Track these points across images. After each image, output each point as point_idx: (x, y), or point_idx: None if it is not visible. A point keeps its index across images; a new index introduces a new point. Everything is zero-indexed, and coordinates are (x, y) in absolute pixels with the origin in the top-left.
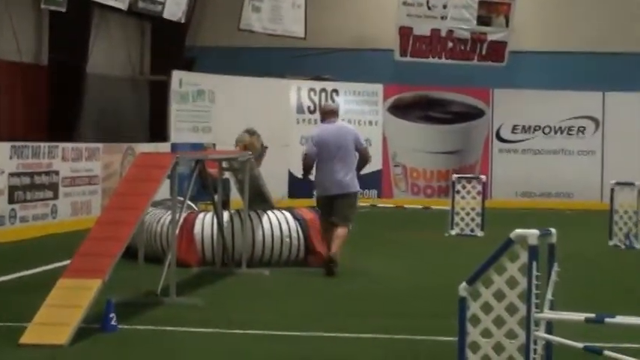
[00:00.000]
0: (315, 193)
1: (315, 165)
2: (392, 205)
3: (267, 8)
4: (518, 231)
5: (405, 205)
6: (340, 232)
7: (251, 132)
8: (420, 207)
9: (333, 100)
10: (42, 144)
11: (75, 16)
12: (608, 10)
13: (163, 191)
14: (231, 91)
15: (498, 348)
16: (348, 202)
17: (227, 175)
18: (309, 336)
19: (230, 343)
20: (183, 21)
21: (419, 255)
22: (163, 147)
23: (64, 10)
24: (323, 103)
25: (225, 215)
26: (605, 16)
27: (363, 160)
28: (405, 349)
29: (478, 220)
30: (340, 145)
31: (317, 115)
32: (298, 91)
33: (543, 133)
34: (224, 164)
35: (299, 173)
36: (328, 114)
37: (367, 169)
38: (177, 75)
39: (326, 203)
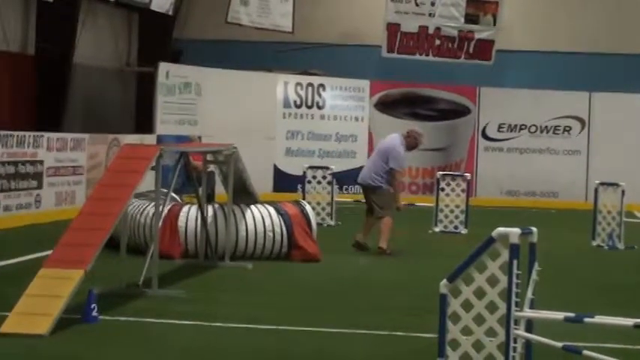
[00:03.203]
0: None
1: None
2: None
3: (255, 2)
4: (500, 229)
5: None
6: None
7: None
8: (405, 204)
9: (320, 95)
10: (27, 133)
11: (62, 7)
12: (596, 10)
13: (148, 183)
14: (218, 84)
15: (478, 346)
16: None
17: (212, 168)
18: (290, 330)
19: (211, 335)
20: (170, 13)
21: (402, 251)
22: (149, 139)
23: (51, 0)
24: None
25: (210, 208)
26: (593, 17)
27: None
28: (385, 345)
29: (462, 217)
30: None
31: (304, 109)
32: (285, 86)
33: (529, 132)
34: (209, 157)
35: (284, 167)
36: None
37: (352, 165)
38: (164, 67)
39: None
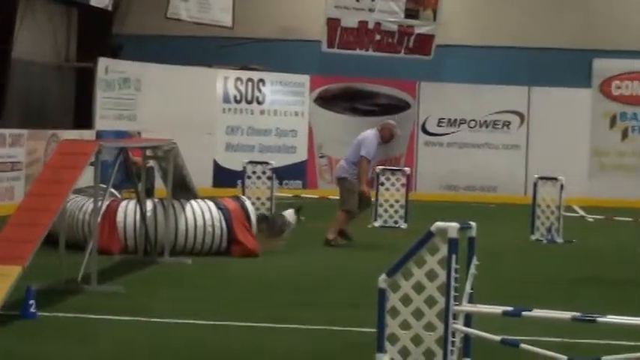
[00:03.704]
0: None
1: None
2: (316, 196)
3: None
4: (439, 224)
5: (330, 196)
6: None
7: None
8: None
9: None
10: None
11: (1, 2)
12: (535, 5)
13: (87, 179)
14: (158, 80)
15: (417, 340)
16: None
17: (151, 163)
18: (229, 325)
19: (150, 331)
20: (110, 8)
21: (341, 246)
22: (88, 134)
23: None
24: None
25: (149, 203)
26: (532, 12)
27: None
28: (324, 340)
29: (402, 212)
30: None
31: (244, 105)
32: (225, 81)
33: (469, 126)
34: (148, 152)
35: (224, 162)
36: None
37: (292, 160)
38: (103, 62)
39: None
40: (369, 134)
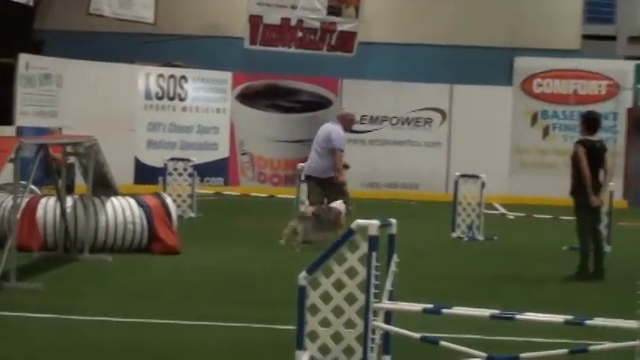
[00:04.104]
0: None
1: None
2: (238, 194)
3: None
4: (359, 221)
5: (252, 194)
6: None
7: None
8: (266, 195)
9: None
10: None
11: None
12: (456, 4)
13: (6, 175)
14: (79, 76)
15: (337, 337)
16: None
17: (72, 159)
18: (150, 322)
19: (70, 328)
20: (31, 3)
21: (263, 243)
22: (8, 130)
23: None
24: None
25: (69, 200)
26: (453, 10)
27: None
28: (245, 337)
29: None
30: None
31: (165, 101)
32: (147, 77)
33: (391, 124)
34: (69, 149)
35: (145, 159)
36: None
37: (213, 157)
38: (24, 58)
39: None
40: (333, 128)
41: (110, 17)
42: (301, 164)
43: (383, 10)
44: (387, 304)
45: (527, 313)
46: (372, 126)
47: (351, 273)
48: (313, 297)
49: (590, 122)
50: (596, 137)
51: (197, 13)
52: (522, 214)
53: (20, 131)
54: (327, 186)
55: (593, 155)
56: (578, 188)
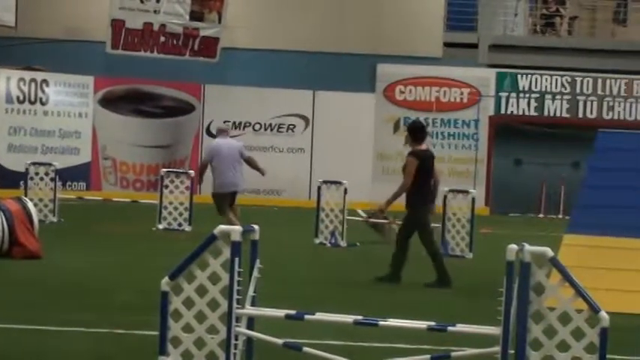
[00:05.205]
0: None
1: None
2: (100, 198)
3: None
4: (222, 227)
5: (114, 199)
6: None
7: None
8: (129, 200)
9: (44, 91)
10: None
11: None
12: (319, 11)
13: None
14: None
15: (200, 343)
16: None
17: None
18: (9, 328)
19: None
20: None
21: (125, 248)
22: None
23: None
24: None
25: None
26: (317, 17)
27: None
28: (106, 343)
29: (186, 214)
30: (231, 155)
31: (27, 105)
32: (7, 81)
33: (254, 129)
34: None
35: (7, 163)
36: (222, 132)
37: (76, 161)
38: None
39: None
40: (235, 142)
41: None
42: (164, 169)
43: (246, 16)
44: (249, 310)
45: (391, 320)
46: (235, 131)
47: (214, 279)
48: (176, 302)
49: (417, 132)
50: (424, 146)
51: (58, 17)
52: (385, 221)
53: None
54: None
55: (426, 166)
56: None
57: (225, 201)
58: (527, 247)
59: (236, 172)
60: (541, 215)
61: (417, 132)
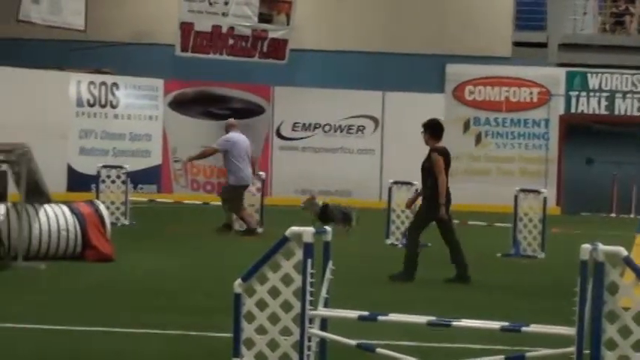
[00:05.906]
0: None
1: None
2: (171, 201)
3: (47, 0)
4: (294, 228)
5: (185, 201)
6: None
7: None
8: (200, 203)
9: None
10: None
11: None
12: (387, 11)
13: None
14: (9, 83)
15: (273, 345)
16: None
17: (4, 167)
18: (82, 330)
19: (3, 337)
20: None
21: (197, 251)
22: None
23: None
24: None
25: (2, 208)
26: (386, 17)
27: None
28: (180, 345)
29: (257, 216)
30: (245, 151)
31: (97, 108)
32: (78, 84)
33: (323, 131)
34: (0, 157)
35: (78, 166)
36: (233, 126)
37: (146, 164)
38: None
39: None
40: (245, 137)
41: (39, 24)
42: None
43: (315, 18)
44: (322, 312)
45: (464, 320)
46: (305, 133)
47: (287, 280)
48: (249, 304)
49: (437, 129)
50: (442, 144)
51: (127, 20)
52: (456, 221)
53: None
54: None
55: (447, 162)
56: (434, 198)
57: (242, 195)
58: (601, 246)
59: (249, 166)
60: (613, 214)
61: (436, 129)
